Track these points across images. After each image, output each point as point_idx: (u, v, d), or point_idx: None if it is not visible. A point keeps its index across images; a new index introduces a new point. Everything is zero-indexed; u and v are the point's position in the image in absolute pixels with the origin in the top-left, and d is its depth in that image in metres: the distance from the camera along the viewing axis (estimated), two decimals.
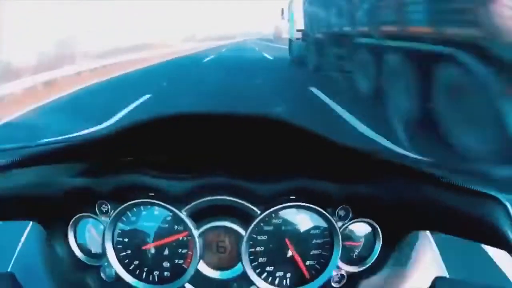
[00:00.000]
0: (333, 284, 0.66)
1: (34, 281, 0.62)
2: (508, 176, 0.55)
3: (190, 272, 0.65)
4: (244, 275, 0.65)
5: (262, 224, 0.65)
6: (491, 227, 0.48)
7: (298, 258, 0.65)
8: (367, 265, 0.67)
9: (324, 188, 0.64)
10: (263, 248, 0.65)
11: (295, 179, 0.65)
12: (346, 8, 6.05)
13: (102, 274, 0.68)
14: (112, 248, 0.66)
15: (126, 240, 0.67)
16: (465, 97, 2.95)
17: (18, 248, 0.69)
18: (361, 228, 0.68)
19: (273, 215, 0.65)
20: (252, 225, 0.64)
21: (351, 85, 5.61)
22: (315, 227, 0.66)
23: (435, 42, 3.29)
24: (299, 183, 0.65)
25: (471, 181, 0.51)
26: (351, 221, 0.66)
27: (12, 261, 0.67)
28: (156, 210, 0.66)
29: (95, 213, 0.67)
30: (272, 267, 0.66)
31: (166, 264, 0.66)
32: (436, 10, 3.46)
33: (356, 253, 0.68)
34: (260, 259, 0.66)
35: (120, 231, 0.67)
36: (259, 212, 0.65)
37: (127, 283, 0.66)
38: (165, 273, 0.67)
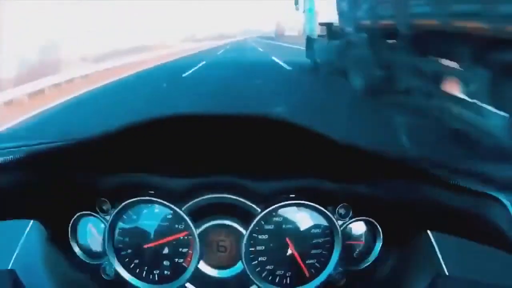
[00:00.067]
0: (333, 283, 0.66)
1: (35, 279, 0.62)
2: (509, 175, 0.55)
3: (190, 271, 0.65)
4: (244, 274, 0.65)
5: (262, 223, 0.65)
6: (491, 227, 0.48)
7: (298, 257, 0.65)
8: (367, 264, 0.67)
9: (325, 186, 0.64)
10: (263, 247, 0.66)
11: (295, 177, 0.65)
12: None
13: (102, 273, 0.68)
14: (112, 247, 0.66)
15: (126, 239, 0.67)
16: None
17: (19, 246, 0.69)
18: (361, 227, 0.68)
19: (274, 213, 0.65)
20: (253, 224, 0.64)
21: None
22: (315, 226, 0.66)
23: None
24: (300, 181, 0.65)
25: (472, 180, 0.51)
26: (352, 220, 0.66)
27: (13, 259, 0.67)
28: (157, 208, 0.66)
29: (96, 212, 0.67)
30: (272, 266, 0.66)
31: (166, 263, 0.67)
32: None
33: (356, 252, 0.68)
34: (260, 258, 0.66)
35: (120, 230, 0.67)
36: (259, 210, 0.65)
37: (127, 281, 0.66)
38: (166, 272, 0.67)
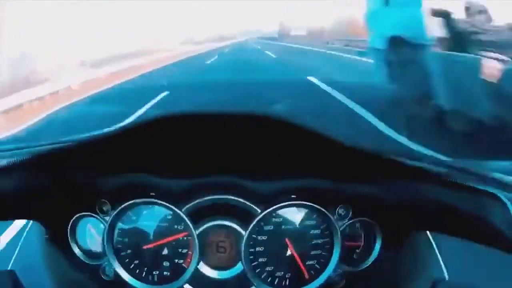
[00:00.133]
0: (333, 285, 0.66)
1: (35, 279, 0.62)
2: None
3: (190, 271, 0.65)
4: (243, 275, 0.65)
5: (262, 224, 0.65)
6: (491, 226, 0.48)
7: (298, 258, 0.65)
8: (367, 265, 0.67)
9: (325, 187, 0.64)
10: (263, 248, 0.66)
11: (295, 178, 0.65)
12: None
13: (101, 273, 0.68)
14: (112, 248, 0.66)
15: (126, 239, 0.67)
16: None
17: (19, 247, 0.69)
18: (361, 228, 0.68)
19: (273, 214, 0.65)
20: (252, 224, 0.64)
21: None
22: (315, 227, 0.66)
23: None
24: (300, 182, 0.65)
25: (471, 179, 0.51)
26: (351, 220, 0.66)
27: (12, 259, 0.67)
28: (156, 209, 0.66)
29: (96, 213, 0.67)
30: (272, 267, 0.66)
31: (166, 263, 0.67)
32: None
33: (356, 253, 0.68)
34: (260, 259, 0.66)
35: (120, 231, 0.67)
36: (259, 211, 0.65)
37: (127, 282, 0.66)
38: (165, 272, 0.67)
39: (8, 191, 0.59)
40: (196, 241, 0.64)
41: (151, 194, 0.65)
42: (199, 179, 0.66)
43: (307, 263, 0.66)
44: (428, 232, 0.65)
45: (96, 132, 0.57)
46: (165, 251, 0.66)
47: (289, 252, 0.66)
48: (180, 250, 0.66)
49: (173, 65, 10.12)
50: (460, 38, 3.12)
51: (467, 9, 3.13)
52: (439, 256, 0.65)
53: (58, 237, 0.68)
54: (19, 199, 0.61)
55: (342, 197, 0.65)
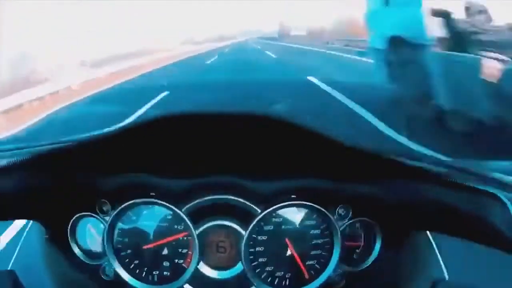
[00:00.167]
0: (333, 285, 0.66)
1: (35, 279, 0.62)
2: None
3: (190, 271, 0.65)
4: (244, 275, 0.65)
5: (262, 224, 0.65)
6: (490, 226, 0.48)
7: (297, 258, 0.65)
8: (367, 265, 0.67)
9: (325, 187, 0.64)
10: (263, 248, 0.66)
11: (295, 178, 0.65)
12: None
13: (102, 273, 0.68)
14: (112, 248, 0.66)
15: (126, 239, 0.67)
16: None
17: (19, 247, 0.69)
18: (361, 228, 0.68)
19: (273, 214, 0.65)
20: (252, 224, 0.64)
21: None
22: (315, 227, 0.66)
23: None
24: (300, 182, 0.65)
25: (471, 178, 0.51)
26: (351, 220, 0.66)
27: (12, 259, 0.67)
28: (156, 209, 0.66)
29: (95, 212, 0.67)
30: (272, 267, 0.66)
31: (166, 263, 0.67)
32: None
33: (356, 253, 0.68)
34: (260, 259, 0.66)
35: (120, 231, 0.67)
36: (259, 211, 0.65)
37: (127, 282, 0.66)
38: (165, 272, 0.67)
39: (8, 191, 0.59)
40: (196, 241, 0.64)
41: (151, 194, 0.65)
42: (199, 179, 0.66)
43: (307, 263, 0.66)
44: (428, 232, 0.65)
45: (96, 132, 0.57)
46: (165, 251, 0.66)
47: (289, 252, 0.66)
48: (180, 250, 0.66)
49: (173, 65, 10.11)
50: (460, 38, 3.10)
51: (467, 9, 3.10)
52: (439, 256, 0.65)
53: (58, 237, 0.68)
54: (19, 199, 0.61)
55: (342, 197, 0.65)
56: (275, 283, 0.66)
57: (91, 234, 0.69)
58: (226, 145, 0.63)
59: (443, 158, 0.57)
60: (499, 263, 0.58)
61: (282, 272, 0.66)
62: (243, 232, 0.65)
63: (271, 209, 0.64)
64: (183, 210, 0.65)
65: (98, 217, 0.67)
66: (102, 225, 0.67)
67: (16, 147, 0.59)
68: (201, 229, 0.66)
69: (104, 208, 0.67)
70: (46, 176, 0.62)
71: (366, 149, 0.55)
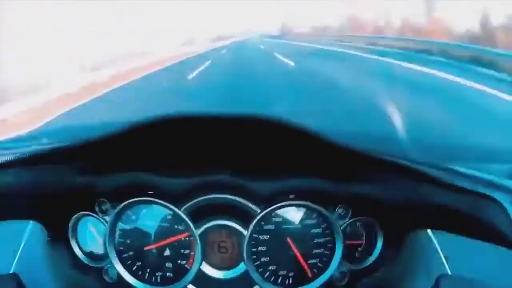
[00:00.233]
0: (336, 283, 0.66)
1: (37, 282, 0.62)
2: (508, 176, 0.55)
3: (193, 272, 0.65)
4: (247, 275, 0.65)
5: (262, 223, 0.65)
6: (490, 227, 0.49)
7: (300, 257, 0.65)
8: (369, 263, 0.67)
9: (324, 187, 0.64)
10: (265, 247, 0.65)
11: (295, 178, 0.65)
12: None
13: (104, 276, 0.67)
14: (114, 249, 0.66)
15: (127, 241, 0.67)
16: None
17: (21, 249, 0.69)
18: (362, 227, 0.68)
19: (274, 214, 0.65)
20: (253, 224, 0.64)
21: None
22: (316, 226, 0.66)
23: None
24: (299, 181, 0.65)
25: (470, 181, 0.51)
26: (352, 220, 0.66)
27: (15, 262, 0.67)
28: (156, 209, 0.66)
29: (95, 212, 0.67)
30: (275, 266, 0.66)
31: (168, 264, 0.66)
32: None
33: (358, 251, 0.68)
34: (263, 259, 0.65)
35: (121, 231, 0.67)
36: (259, 210, 0.65)
37: (130, 284, 0.66)
38: (168, 273, 0.67)
39: (8, 191, 0.59)
40: (198, 241, 0.64)
41: (148, 192, 0.65)
42: (198, 178, 0.66)
43: (309, 261, 0.66)
44: (429, 230, 0.65)
45: (96, 132, 0.57)
46: (167, 252, 0.66)
47: (291, 251, 0.65)
48: (182, 251, 0.66)
49: (173, 66, 10.03)
50: None
51: None
52: (440, 252, 0.65)
53: (60, 239, 0.67)
54: (19, 198, 0.61)
55: (342, 197, 0.65)
56: (279, 282, 0.66)
57: (91, 235, 0.69)
58: (226, 145, 0.63)
59: (442, 159, 0.58)
60: (502, 256, 0.57)
61: (285, 271, 0.66)
62: (244, 231, 0.65)
63: (270, 208, 0.64)
64: (182, 209, 0.65)
65: (98, 217, 0.67)
66: (102, 225, 0.67)
67: (16, 147, 0.59)
68: (202, 229, 0.66)
69: (104, 208, 0.67)
70: (46, 176, 0.62)
71: (365, 149, 0.55)
